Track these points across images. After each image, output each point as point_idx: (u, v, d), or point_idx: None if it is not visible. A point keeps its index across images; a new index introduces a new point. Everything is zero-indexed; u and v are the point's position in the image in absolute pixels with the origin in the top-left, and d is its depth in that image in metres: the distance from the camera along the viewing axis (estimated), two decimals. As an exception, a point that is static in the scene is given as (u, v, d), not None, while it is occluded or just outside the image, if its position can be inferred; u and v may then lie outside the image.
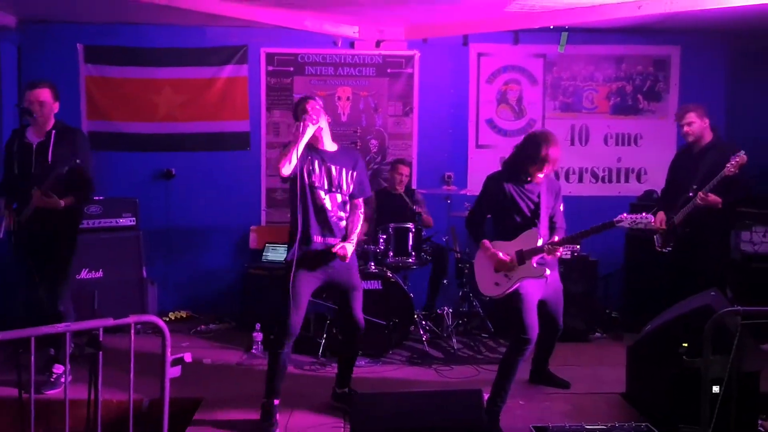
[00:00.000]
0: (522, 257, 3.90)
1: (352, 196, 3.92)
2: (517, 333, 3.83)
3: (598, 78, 6.45)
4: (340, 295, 3.97)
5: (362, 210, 4.00)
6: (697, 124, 4.71)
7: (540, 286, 3.95)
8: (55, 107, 4.29)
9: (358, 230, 3.93)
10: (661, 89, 6.45)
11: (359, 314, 4.00)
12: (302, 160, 3.65)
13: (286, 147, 3.68)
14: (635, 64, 6.43)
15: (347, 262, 3.85)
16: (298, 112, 3.80)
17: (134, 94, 6.25)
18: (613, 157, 6.48)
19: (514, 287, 3.89)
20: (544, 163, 3.85)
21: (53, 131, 4.26)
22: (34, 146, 4.24)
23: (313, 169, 3.76)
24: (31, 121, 4.16)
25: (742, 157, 4.33)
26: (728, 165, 4.34)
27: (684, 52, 6.40)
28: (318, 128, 3.72)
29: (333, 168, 3.81)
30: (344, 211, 3.89)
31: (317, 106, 3.79)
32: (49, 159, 4.20)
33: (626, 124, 6.49)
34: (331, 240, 3.81)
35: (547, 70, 6.43)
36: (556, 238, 3.95)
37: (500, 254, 3.93)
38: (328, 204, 3.80)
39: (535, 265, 3.89)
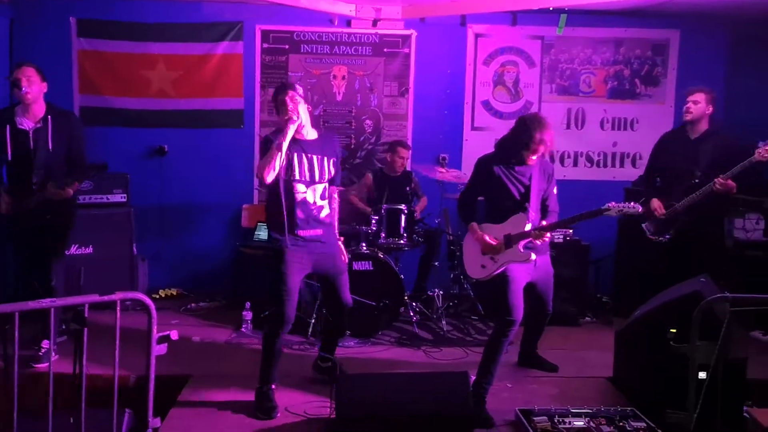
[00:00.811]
0: (509, 241, 3.90)
1: (331, 182, 3.88)
2: (502, 314, 3.84)
3: (595, 61, 6.39)
4: (327, 281, 3.95)
5: (336, 195, 4.00)
6: (701, 107, 4.60)
7: (528, 269, 3.94)
8: (44, 87, 4.25)
9: (335, 217, 3.97)
10: (659, 74, 6.40)
11: (347, 296, 4.00)
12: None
13: (266, 153, 3.62)
14: (634, 47, 6.38)
15: (330, 250, 3.87)
16: (278, 104, 3.73)
17: (127, 70, 6.19)
18: (609, 142, 6.45)
19: (500, 270, 3.90)
20: (536, 147, 3.82)
21: (48, 116, 4.24)
22: (30, 133, 4.20)
23: (293, 164, 3.70)
24: (18, 95, 4.12)
25: None
26: (759, 150, 4.26)
27: (683, 37, 6.34)
28: (299, 123, 3.66)
29: (315, 158, 3.76)
30: (325, 198, 3.86)
31: (297, 97, 3.69)
32: (50, 146, 4.20)
33: (623, 109, 6.44)
34: (314, 231, 3.78)
35: (545, 52, 6.38)
36: (544, 223, 3.93)
37: (486, 237, 3.93)
38: (309, 197, 3.77)
39: (521, 249, 3.88)
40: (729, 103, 6.26)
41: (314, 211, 3.79)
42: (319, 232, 3.80)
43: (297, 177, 3.72)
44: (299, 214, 3.74)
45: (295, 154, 3.71)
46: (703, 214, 4.57)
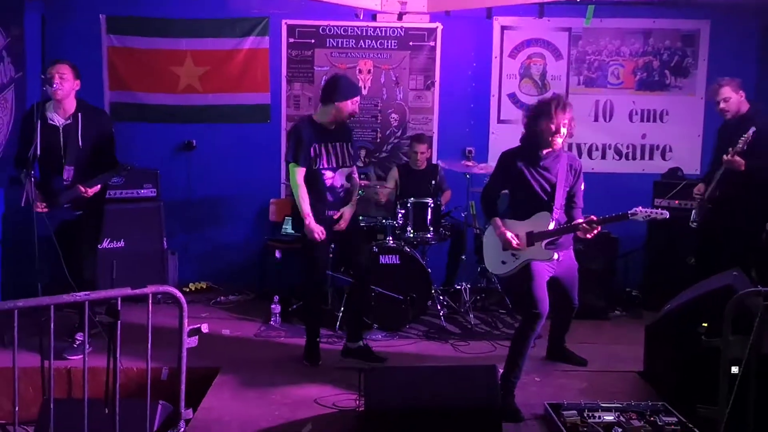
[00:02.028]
0: (532, 239, 3.86)
1: (353, 163, 4.40)
2: (528, 308, 3.82)
3: (624, 53, 6.31)
4: (347, 244, 4.40)
5: (355, 173, 4.49)
6: (734, 99, 4.57)
7: (550, 264, 3.91)
8: (76, 85, 4.32)
9: (356, 193, 4.43)
10: (689, 65, 6.30)
11: (363, 256, 4.44)
12: (310, 148, 4.11)
13: (295, 144, 4.13)
14: (663, 38, 6.28)
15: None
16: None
17: (156, 66, 6.26)
18: (638, 134, 6.36)
19: (518, 267, 3.90)
20: (558, 125, 3.72)
21: (79, 113, 4.30)
22: (61, 129, 4.27)
23: (322, 154, 4.17)
24: (50, 92, 4.18)
25: None
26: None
27: (714, 27, 6.23)
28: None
29: (337, 145, 4.23)
30: (348, 180, 4.37)
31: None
32: (80, 143, 4.28)
33: (652, 100, 6.36)
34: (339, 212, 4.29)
35: (573, 44, 6.31)
36: (594, 217, 3.79)
37: (509, 235, 3.89)
38: (336, 181, 4.26)
39: (544, 248, 3.85)
40: (761, 93, 6.15)
41: (341, 193, 4.31)
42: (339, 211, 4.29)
43: (325, 165, 4.18)
44: (328, 197, 4.23)
45: (322, 146, 4.17)
46: (727, 201, 4.52)
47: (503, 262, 3.99)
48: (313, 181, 4.17)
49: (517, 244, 3.87)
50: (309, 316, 4.49)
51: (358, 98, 4.20)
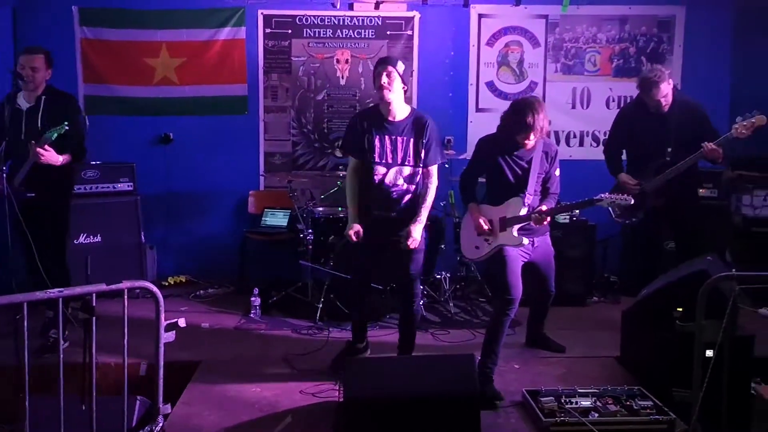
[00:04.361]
0: (504, 224, 3.91)
1: (424, 164, 3.90)
2: (501, 293, 3.86)
3: (601, 40, 6.33)
4: (393, 257, 3.92)
5: (432, 179, 3.93)
6: (670, 92, 4.48)
7: (524, 249, 3.95)
8: (48, 74, 4.28)
9: (428, 203, 3.89)
10: (665, 51, 6.33)
11: (408, 271, 3.93)
12: (362, 137, 3.82)
13: (351, 138, 3.92)
14: (639, 24, 6.30)
15: (400, 229, 3.84)
16: (374, 76, 3.84)
17: (131, 57, 6.18)
18: (615, 121, 6.39)
19: (491, 253, 3.94)
20: (529, 131, 3.75)
21: (43, 96, 4.24)
22: (24, 111, 4.22)
23: (375, 146, 3.82)
24: (22, 85, 4.13)
25: (761, 119, 4.14)
26: (735, 127, 4.19)
27: (689, 13, 6.26)
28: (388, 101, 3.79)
29: (399, 140, 3.83)
30: (413, 183, 3.89)
31: (394, 72, 3.77)
32: (39, 125, 4.19)
33: (629, 87, 6.30)
34: (392, 214, 3.86)
35: (550, 31, 6.32)
36: (544, 208, 3.89)
37: (481, 220, 3.94)
38: (389, 178, 3.84)
39: (515, 233, 3.89)
40: (736, 77, 6.22)
41: (393, 193, 3.84)
42: (392, 215, 3.86)
43: (377, 159, 3.82)
44: (377, 195, 3.85)
45: (377, 137, 3.82)
46: (677, 193, 4.55)
47: (477, 247, 4.05)
48: (365, 174, 3.88)
49: (487, 229, 3.91)
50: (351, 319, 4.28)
51: (380, 67, 3.79)
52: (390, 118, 3.85)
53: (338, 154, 5.94)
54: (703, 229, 4.79)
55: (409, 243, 3.78)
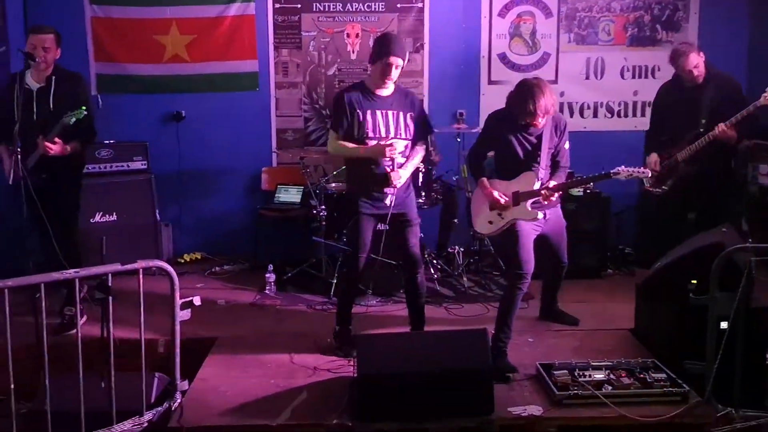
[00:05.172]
0: (518, 198, 3.90)
1: (417, 139, 3.92)
2: (513, 268, 3.88)
3: (614, 8, 6.22)
4: (397, 229, 3.96)
5: (423, 148, 4.02)
6: (701, 63, 4.53)
7: (537, 222, 3.95)
8: (58, 54, 4.28)
9: (415, 161, 3.94)
10: (680, 18, 6.20)
11: (415, 248, 3.99)
12: (353, 113, 3.76)
13: (338, 114, 3.80)
14: (654, -9, 6.20)
15: (404, 195, 3.91)
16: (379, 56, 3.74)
17: (141, 35, 6.15)
18: (629, 90, 6.30)
19: (504, 227, 3.95)
20: (534, 116, 3.73)
21: (53, 77, 4.25)
22: (35, 92, 4.23)
23: (367, 120, 3.78)
24: (33, 65, 4.13)
25: None
26: (766, 95, 4.19)
27: (705, -22, 6.15)
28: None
29: (390, 114, 3.82)
30: (405, 156, 3.88)
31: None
32: (51, 105, 4.21)
33: (644, 56, 6.28)
34: (388, 190, 3.83)
35: (562, 1, 6.21)
36: (552, 183, 3.88)
37: (496, 194, 3.93)
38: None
39: (529, 207, 3.89)
40: (753, 46, 6.10)
41: (389, 168, 3.80)
42: (390, 190, 3.84)
43: (371, 134, 3.79)
44: (372, 170, 3.81)
45: (368, 111, 3.78)
46: (706, 164, 4.53)
47: (490, 222, 4.05)
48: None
49: (505, 202, 3.91)
50: (339, 296, 4.26)
51: (393, 59, 3.69)
52: (378, 93, 3.83)
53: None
54: (727, 201, 4.79)
55: (392, 178, 3.76)
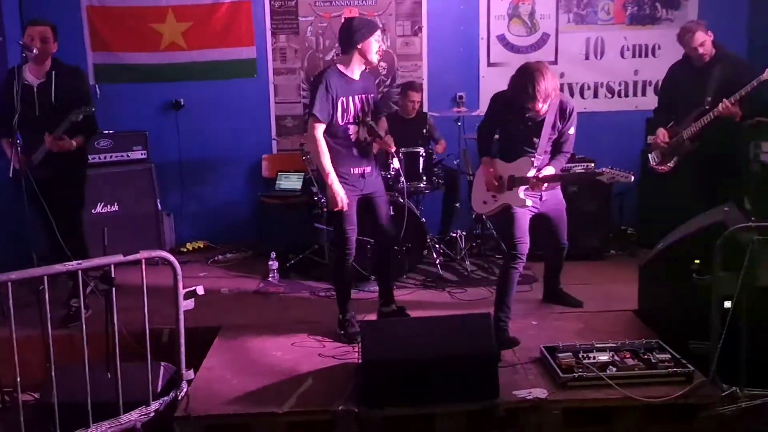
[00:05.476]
0: (512, 183, 3.93)
1: (380, 114, 4.13)
2: (508, 248, 3.94)
3: (614, -14, 6.18)
4: (370, 205, 4.06)
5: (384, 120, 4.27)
6: (708, 42, 4.51)
7: (534, 204, 3.97)
8: (55, 47, 4.25)
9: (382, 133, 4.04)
10: (681, -4, 6.17)
11: (388, 222, 4.14)
12: (337, 101, 3.78)
13: (319, 96, 3.74)
14: (654, -31, 6.14)
15: (375, 180, 4.05)
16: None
17: (137, 24, 6.13)
18: (630, 70, 6.27)
19: (496, 210, 4.03)
20: (534, 100, 3.69)
21: (53, 71, 4.23)
22: (35, 87, 4.21)
23: (349, 107, 3.84)
24: (31, 57, 4.10)
25: None
26: None
27: (705, -46, 6.08)
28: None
29: (361, 98, 3.89)
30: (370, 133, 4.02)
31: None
32: (53, 100, 4.20)
33: (644, 35, 6.24)
34: (365, 167, 3.96)
35: (561, -20, 6.17)
36: (543, 173, 3.89)
37: (491, 172, 4.01)
38: (361, 134, 3.93)
39: (521, 194, 3.91)
40: (753, 24, 6.05)
41: (366, 145, 3.96)
42: (368, 168, 3.98)
43: (351, 120, 3.87)
44: (354, 152, 3.91)
45: (348, 97, 3.83)
46: (710, 141, 4.51)
47: (484, 202, 4.14)
48: (337, 137, 3.85)
49: (498, 186, 3.99)
50: (335, 282, 4.20)
51: (379, 33, 3.83)
52: (352, 77, 3.86)
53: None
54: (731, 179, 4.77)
55: (389, 143, 3.97)
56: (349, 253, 3.97)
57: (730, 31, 5.93)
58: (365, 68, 3.91)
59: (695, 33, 4.50)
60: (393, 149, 4.01)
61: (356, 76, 3.88)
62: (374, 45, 3.80)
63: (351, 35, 3.77)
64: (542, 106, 3.76)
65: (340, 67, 3.87)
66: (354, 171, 3.93)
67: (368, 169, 3.98)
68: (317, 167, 3.90)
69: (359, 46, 3.78)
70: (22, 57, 4.14)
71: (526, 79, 3.68)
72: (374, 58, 3.85)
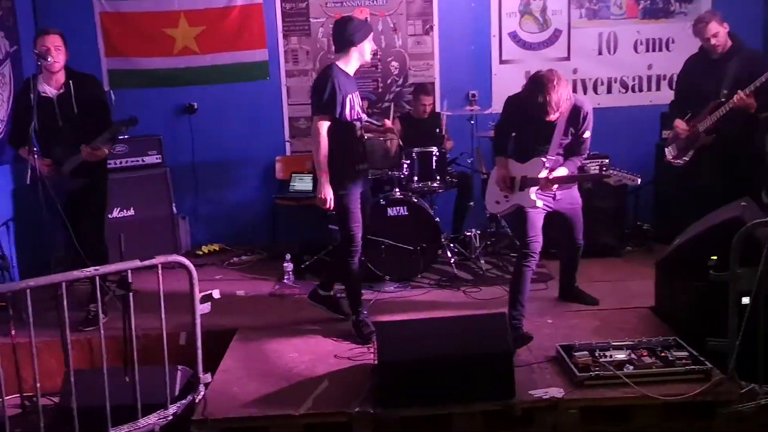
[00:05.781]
0: (525, 183, 3.94)
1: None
2: (521, 247, 3.95)
3: (626, -19, 6.13)
4: (364, 206, 4.14)
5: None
6: (722, 33, 4.47)
7: (546, 202, 3.97)
8: (67, 55, 4.29)
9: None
10: (694, -12, 6.11)
11: (367, 220, 4.23)
12: (346, 99, 3.86)
13: (326, 96, 3.80)
14: (666, -38, 6.08)
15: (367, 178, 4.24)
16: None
17: (150, 29, 6.17)
18: (644, 65, 6.21)
19: (509, 210, 4.07)
20: (546, 110, 3.66)
21: (70, 81, 4.27)
22: (55, 99, 4.25)
23: (354, 104, 3.95)
24: (46, 65, 4.14)
25: None
26: None
27: (719, -54, 6.01)
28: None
29: (358, 95, 4.04)
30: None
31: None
32: (75, 110, 4.25)
33: (657, 29, 6.18)
34: (366, 164, 4.15)
35: (572, -25, 6.13)
36: (553, 174, 3.87)
37: (502, 176, 4.04)
38: (361, 132, 4.09)
39: (532, 195, 3.90)
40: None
41: (364, 144, 4.13)
42: (366, 165, 4.15)
43: (356, 116, 3.99)
44: (359, 149, 4.06)
45: (352, 95, 3.94)
46: (726, 135, 4.47)
47: (497, 202, 4.17)
48: (345, 134, 3.92)
49: (509, 187, 4.03)
50: (345, 281, 4.18)
51: (372, 35, 4.01)
52: (352, 76, 4.00)
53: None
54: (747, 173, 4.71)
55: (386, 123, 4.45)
56: (355, 250, 4.01)
57: (746, 23, 5.85)
58: (358, 66, 4.02)
59: (709, 23, 4.48)
60: (389, 125, 4.45)
61: (352, 73, 4.00)
62: (369, 46, 3.95)
63: (351, 35, 3.87)
64: (553, 116, 3.74)
65: (341, 64, 3.93)
66: (361, 167, 4.06)
67: (366, 165, 4.17)
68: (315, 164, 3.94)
69: (358, 46, 3.88)
70: (37, 66, 4.19)
71: (537, 90, 3.66)
72: (369, 57, 4.01)
